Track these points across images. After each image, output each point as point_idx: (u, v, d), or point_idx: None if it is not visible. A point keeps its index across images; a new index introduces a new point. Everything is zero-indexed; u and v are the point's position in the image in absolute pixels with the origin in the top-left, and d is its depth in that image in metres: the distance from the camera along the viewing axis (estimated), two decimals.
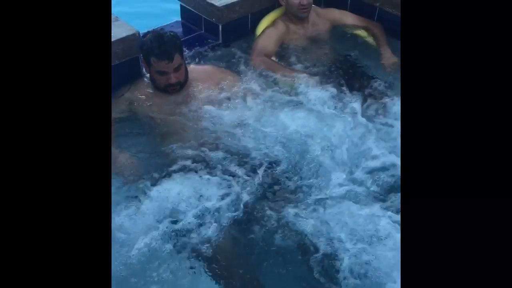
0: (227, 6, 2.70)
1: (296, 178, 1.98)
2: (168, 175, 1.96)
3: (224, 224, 1.80)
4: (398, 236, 1.70)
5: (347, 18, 2.93)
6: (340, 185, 1.91)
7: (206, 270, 1.73)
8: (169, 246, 1.74)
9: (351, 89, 2.46)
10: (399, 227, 1.71)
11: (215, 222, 1.79)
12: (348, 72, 2.64)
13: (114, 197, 1.81)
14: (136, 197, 1.87)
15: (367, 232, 1.74)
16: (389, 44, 2.79)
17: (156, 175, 1.97)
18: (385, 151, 2.07)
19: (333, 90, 2.39)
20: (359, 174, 1.97)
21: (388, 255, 1.67)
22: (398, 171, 1.97)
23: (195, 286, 1.71)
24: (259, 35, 2.75)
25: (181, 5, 2.95)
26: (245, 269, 1.76)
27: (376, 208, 1.82)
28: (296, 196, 1.90)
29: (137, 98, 2.24)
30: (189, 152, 2.05)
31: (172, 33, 2.16)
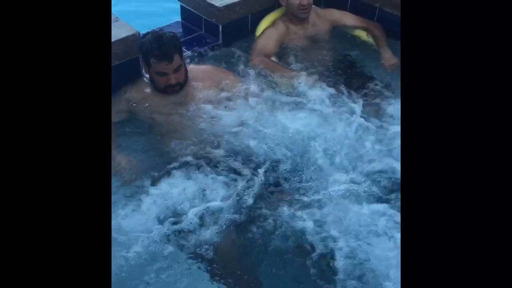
0: (227, 7, 2.70)
1: (295, 178, 1.98)
2: (168, 175, 1.96)
3: (223, 225, 1.79)
4: (397, 236, 1.70)
5: (347, 18, 2.94)
6: (340, 185, 1.91)
7: (206, 270, 1.73)
8: (168, 247, 1.74)
9: (351, 89, 2.46)
10: (398, 227, 1.71)
11: (215, 222, 1.79)
12: (347, 73, 2.64)
13: (113, 198, 1.81)
14: (135, 197, 1.87)
15: (367, 233, 1.74)
16: (389, 44, 2.79)
17: (155, 175, 1.97)
18: (384, 151, 2.07)
19: (333, 91, 2.39)
20: (358, 175, 1.97)
21: (387, 256, 1.67)
22: (397, 172, 1.97)
23: (195, 287, 1.71)
24: (259, 35, 2.75)
25: (181, 6, 2.95)
26: (245, 270, 1.76)
27: (375, 208, 1.82)
28: (296, 197, 1.90)
29: (136, 98, 2.24)
30: (189, 152, 2.06)
31: (171, 34, 2.16)
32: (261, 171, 1.99)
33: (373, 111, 2.34)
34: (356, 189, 1.91)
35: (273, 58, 2.66)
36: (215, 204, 1.85)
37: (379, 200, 1.87)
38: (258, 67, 2.53)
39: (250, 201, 1.87)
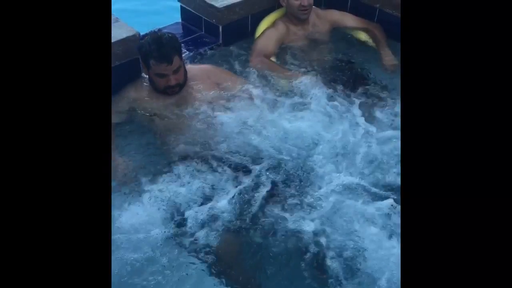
0: (228, 7, 2.71)
1: (295, 179, 1.98)
2: (168, 176, 1.96)
3: (223, 226, 1.79)
4: (398, 236, 1.71)
5: (347, 19, 2.94)
6: (340, 186, 1.91)
7: (205, 272, 1.72)
8: (168, 248, 1.73)
9: (351, 90, 2.46)
10: (398, 228, 1.71)
11: (214, 224, 1.79)
12: (347, 73, 2.64)
13: (113, 198, 1.81)
14: (135, 198, 1.87)
15: (368, 235, 1.74)
16: (389, 45, 2.79)
17: (155, 176, 1.97)
18: (384, 151, 2.07)
19: (333, 91, 2.40)
20: (358, 175, 1.97)
21: (388, 257, 1.67)
22: (398, 172, 1.97)
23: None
24: (259, 35, 2.75)
25: (181, 6, 2.95)
26: (245, 271, 1.76)
27: (376, 209, 1.82)
28: (296, 198, 1.90)
29: (136, 99, 2.24)
30: (188, 153, 2.06)
31: (170, 35, 2.15)
32: (261, 172, 1.98)
33: (373, 111, 2.34)
34: (356, 189, 1.91)
35: (273, 59, 2.66)
36: (215, 205, 1.85)
37: (379, 201, 1.87)
38: (258, 68, 2.53)
39: (250, 202, 1.87)
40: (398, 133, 2.15)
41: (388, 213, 1.81)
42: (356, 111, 2.28)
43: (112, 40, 2.21)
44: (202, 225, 1.79)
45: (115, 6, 2.07)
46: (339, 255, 1.71)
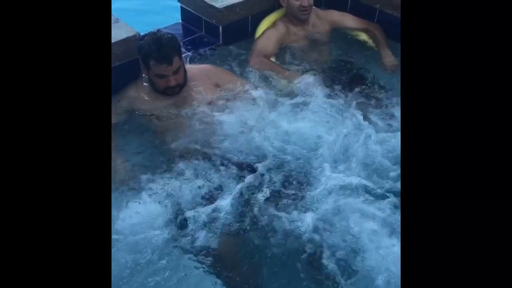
0: (228, 8, 2.71)
1: (294, 179, 1.98)
2: (167, 177, 1.96)
3: (223, 227, 1.79)
4: (397, 237, 1.71)
5: (347, 19, 2.94)
6: (340, 186, 1.91)
7: (205, 273, 1.72)
8: (167, 249, 1.73)
9: (350, 90, 2.46)
10: (398, 228, 1.71)
11: (214, 225, 1.79)
12: (347, 74, 2.64)
13: (113, 198, 1.81)
14: (134, 199, 1.87)
15: (368, 234, 1.74)
16: (389, 45, 2.80)
17: (155, 176, 1.97)
18: (384, 151, 2.07)
19: (332, 92, 2.40)
20: (358, 175, 1.97)
21: (388, 258, 1.67)
22: (398, 172, 1.97)
23: None
24: (259, 36, 2.76)
25: (181, 7, 2.95)
26: (244, 272, 1.76)
27: (376, 210, 1.82)
28: (295, 198, 1.90)
29: (136, 99, 2.24)
30: (188, 153, 2.05)
31: (169, 35, 2.14)
32: (260, 172, 1.99)
33: (373, 112, 2.34)
34: (356, 190, 1.91)
35: (273, 59, 2.66)
36: (214, 206, 1.84)
37: (379, 200, 1.87)
38: (258, 68, 2.53)
39: (249, 203, 1.87)
40: (398, 133, 2.15)
41: (388, 213, 1.80)
42: (356, 111, 2.28)
43: (112, 41, 2.21)
44: (202, 226, 1.79)
45: (114, 6, 2.07)
46: (339, 256, 1.71)
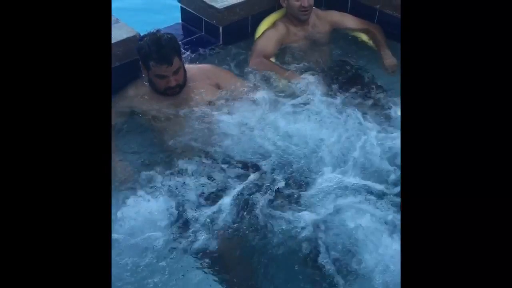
0: (228, 8, 2.71)
1: (294, 180, 1.98)
2: (167, 177, 1.96)
3: (222, 228, 1.79)
4: (398, 237, 1.71)
5: (347, 20, 2.94)
6: (340, 187, 1.91)
7: (205, 274, 1.72)
8: (166, 250, 1.73)
9: (350, 91, 2.46)
10: (398, 228, 1.71)
11: (214, 225, 1.79)
12: (347, 74, 2.64)
13: (113, 199, 1.81)
14: (134, 200, 1.87)
15: (367, 234, 1.74)
16: (389, 46, 2.80)
17: (154, 177, 1.97)
18: (384, 151, 2.07)
19: (333, 92, 2.40)
20: (358, 176, 1.97)
21: (389, 258, 1.67)
22: (398, 173, 1.97)
23: None
24: (259, 36, 2.75)
25: (181, 7, 2.95)
26: (244, 273, 1.76)
27: (375, 209, 1.82)
28: (294, 199, 1.90)
29: (136, 100, 2.24)
30: (188, 154, 2.05)
31: (169, 36, 2.14)
32: (261, 173, 1.99)
33: (373, 112, 2.34)
34: (357, 190, 1.91)
35: (272, 59, 2.66)
36: (214, 207, 1.84)
37: (379, 201, 1.87)
38: (257, 68, 2.53)
39: (249, 204, 1.87)
40: (398, 133, 2.15)
41: (388, 213, 1.80)
42: (356, 111, 2.28)
43: (112, 41, 2.21)
44: (202, 227, 1.79)
45: (113, 5, 2.06)
46: (339, 256, 1.71)
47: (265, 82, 2.47)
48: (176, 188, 1.90)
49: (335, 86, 2.46)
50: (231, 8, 2.72)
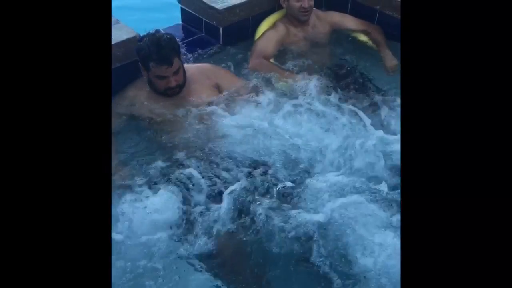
0: (228, 9, 2.71)
1: (294, 180, 1.98)
2: (167, 177, 1.96)
3: (222, 228, 1.79)
4: (398, 237, 1.70)
5: (348, 21, 2.94)
6: (340, 187, 1.91)
7: (205, 275, 1.72)
8: (166, 250, 1.73)
9: (350, 91, 2.46)
10: (399, 228, 1.71)
11: (213, 226, 1.79)
12: (347, 75, 2.64)
13: (112, 200, 1.81)
14: (134, 200, 1.86)
15: (367, 234, 1.74)
16: (389, 47, 2.80)
17: (154, 177, 1.97)
18: (385, 152, 2.07)
19: (332, 93, 2.39)
20: (358, 176, 1.97)
21: (389, 259, 1.67)
22: (398, 173, 1.97)
23: None
24: (259, 37, 2.76)
25: (181, 8, 2.95)
26: (244, 274, 1.75)
27: (376, 209, 1.82)
28: (294, 199, 1.90)
29: (135, 100, 2.24)
30: (187, 154, 2.05)
31: (168, 36, 2.13)
32: (261, 173, 1.98)
33: (372, 112, 2.34)
34: (357, 191, 1.91)
35: (272, 60, 2.66)
36: (214, 207, 1.84)
37: (379, 201, 1.87)
38: (257, 69, 2.53)
39: (249, 204, 1.86)
40: (398, 133, 2.15)
41: (387, 213, 1.80)
42: (356, 112, 2.28)
43: (112, 42, 2.22)
44: (201, 227, 1.79)
45: (113, 4, 2.06)
46: (340, 256, 1.71)
47: (264, 83, 2.47)
48: (176, 189, 1.90)
49: (335, 87, 2.46)
50: (231, 9, 2.72)
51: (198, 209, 1.84)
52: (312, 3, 2.71)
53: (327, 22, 2.89)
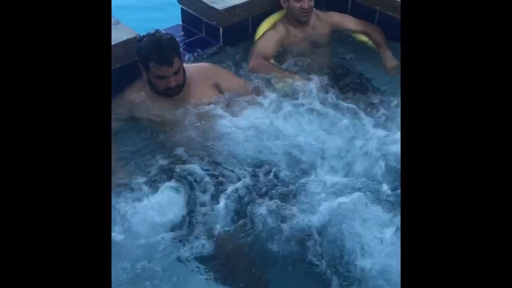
0: (228, 9, 2.71)
1: (294, 181, 1.98)
2: (166, 178, 1.96)
3: (222, 229, 1.79)
4: (398, 237, 1.71)
5: (348, 21, 2.94)
6: (340, 188, 1.91)
7: (205, 276, 1.72)
8: (166, 251, 1.73)
9: (350, 92, 2.46)
10: (399, 229, 1.71)
11: (213, 226, 1.79)
12: (347, 75, 2.64)
13: (112, 200, 1.81)
14: (134, 200, 1.86)
15: (367, 234, 1.74)
16: (390, 47, 2.80)
17: (153, 178, 1.96)
18: (385, 153, 2.07)
19: (332, 93, 2.40)
20: (358, 177, 1.97)
21: (390, 259, 1.67)
22: (398, 173, 1.97)
23: None
24: (259, 37, 2.76)
25: (182, 8, 2.95)
26: (244, 275, 1.75)
27: (375, 209, 1.82)
28: (294, 199, 1.90)
29: (135, 101, 2.23)
30: (187, 154, 2.05)
31: (168, 36, 2.13)
32: (261, 173, 1.99)
33: (372, 113, 2.34)
34: (357, 191, 1.91)
35: (272, 61, 2.66)
36: (214, 208, 1.84)
37: (380, 201, 1.87)
38: (257, 70, 2.53)
39: (249, 205, 1.87)
40: (398, 134, 2.15)
41: (388, 214, 1.80)
42: (356, 112, 2.28)
43: (112, 43, 2.22)
44: (200, 229, 1.79)
45: (112, 4, 2.05)
46: (339, 257, 1.71)
47: (264, 83, 2.47)
48: (175, 189, 1.90)
49: (335, 87, 2.46)
50: (231, 9, 2.72)
51: (197, 209, 1.84)
52: (312, 3, 2.72)
53: (327, 23, 2.89)
